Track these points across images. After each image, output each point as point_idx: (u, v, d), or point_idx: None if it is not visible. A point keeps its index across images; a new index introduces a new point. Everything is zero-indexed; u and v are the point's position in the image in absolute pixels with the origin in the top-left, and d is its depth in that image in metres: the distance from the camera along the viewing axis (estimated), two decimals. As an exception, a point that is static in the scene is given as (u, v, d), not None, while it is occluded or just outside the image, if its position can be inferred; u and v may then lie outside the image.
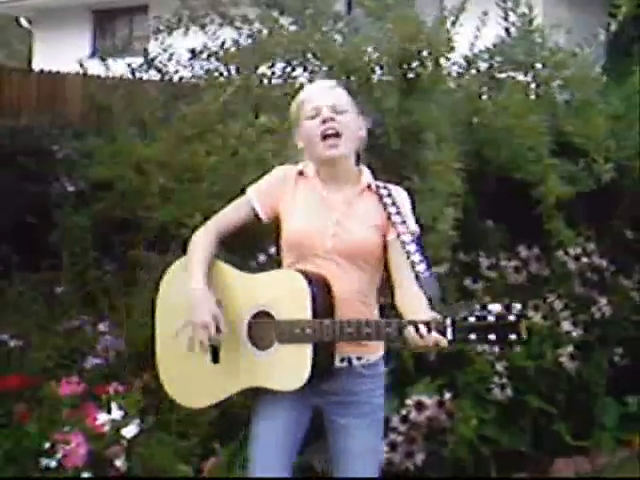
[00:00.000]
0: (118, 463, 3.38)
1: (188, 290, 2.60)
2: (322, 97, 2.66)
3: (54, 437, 3.38)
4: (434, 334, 2.41)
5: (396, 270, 2.66)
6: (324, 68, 4.68)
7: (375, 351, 2.70)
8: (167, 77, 5.32)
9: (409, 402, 4.09)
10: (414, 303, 2.56)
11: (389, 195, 2.69)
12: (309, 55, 4.75)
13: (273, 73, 4.83)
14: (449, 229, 4.21)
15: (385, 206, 2.67)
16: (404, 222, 2.64)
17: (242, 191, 2.76)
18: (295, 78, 4.95)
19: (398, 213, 2.65)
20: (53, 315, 4.58)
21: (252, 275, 2.69)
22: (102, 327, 4.36)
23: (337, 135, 2.61)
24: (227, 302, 2.64)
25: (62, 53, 8.25)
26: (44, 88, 6.28)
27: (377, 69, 4.72)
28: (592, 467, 4.68)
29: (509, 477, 4.34)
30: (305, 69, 4.93)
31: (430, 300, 2.49)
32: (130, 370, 4.08)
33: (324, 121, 2.61)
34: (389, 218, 2.65)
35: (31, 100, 6.14)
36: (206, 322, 2.54)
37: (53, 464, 3.33)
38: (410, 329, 2.44)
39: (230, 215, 2.74)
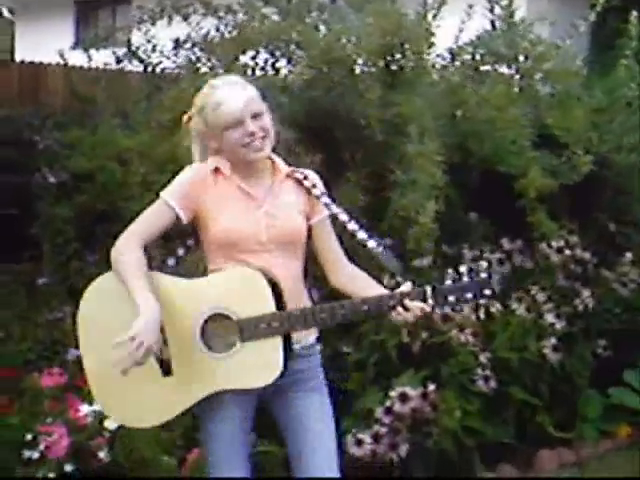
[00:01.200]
0: (101, 455, 3.36)
1: (136, 311, 2.46)
2: (241, 105, 2.59)
3: (36, 429, 3.36)
4: (417, 303, 2.54)
5: (326, 251, 2.74)
6: (306, 58, 4.66)
7: (311, 333, 2.72)
8: (150, 68, 5.29)
9: (393, 394, 4.09)
10: (361, 280, 2.70)
11: (306, 178, 2.72)
12: (292, 46, 4.73)
13: (256, 64, 4.81)
14: (430, 222, 4.22)
15: (308, 190, 2.70)
16: (334, 201, 2.69)
17: (157, 195, 2.66)
18: (278, 70, 4.94)
19: (324, 194, 2.70)
20: (35, 306, 4.56)
21: (193, 280, 2.63)
22: (84, 319, 4.32)
23: (262, 138, 2.61)
24: (171, 311, 2.55)
25: (45, 44, 8.18)
26: (26, 79, 6.22)
27: (360, 61, 4.71)
28: (576, 458, 4.70)
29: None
30: (289, 60, 4.91)
31: (393, 272, 2.55)
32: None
33: (250, 134, 2.59)
34: (317, 199, 2.69)
35: (12, 91, 6.08)
36: (152, 346, 2.44)
37: (36, 456, 3.31)
38: (392, 303, 2.52)
39: (152, 223, 2.62)
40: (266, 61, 4.91)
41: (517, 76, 5.25)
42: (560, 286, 5.05)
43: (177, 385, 2.56)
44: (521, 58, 5.16)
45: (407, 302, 2.53)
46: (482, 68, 5.18)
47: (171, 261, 4.41)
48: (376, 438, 4.05)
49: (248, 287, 2.54)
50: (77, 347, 2.70)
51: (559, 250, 5.05)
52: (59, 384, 3.60)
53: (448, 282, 2.58)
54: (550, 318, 4.77)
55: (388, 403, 4.08)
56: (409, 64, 4.80)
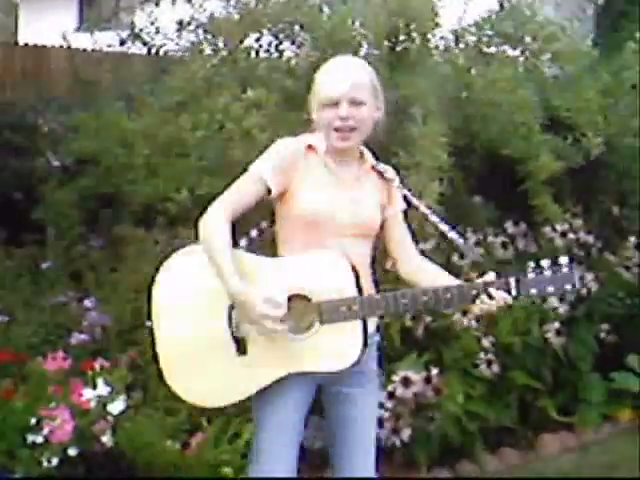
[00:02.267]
0: (104, 439, 3.36)
1: (206, 277, 2.49)
2: (342, 87, 2.59)
3: (40, 413, 3.36)
4: (500, 293, 2.57)
5: (398, 243, 2.80)
6: (311, 40, 4.63)
7: (373, 321, 2.72)
8: (153, 50, 5.26)
9: (396, 378, 4.10)
10: (432, 270, 2.75)
11: (386, 172, 2.77)
12: (296, 27, 4.71)
13: (260, 46, 4.78)
14: (433, 204, 4.20)
15: (389, 183, 2.75)
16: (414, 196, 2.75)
17: (244, 170, 2.62)
18: (282, 52, 4.91)
19: (403, 188, 2.76)
20: (39, 291, 4.56)
21: (274, 260, 2.61)
22: (88, 303, 4.33)
23: (351, 130, 2.61)
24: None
25: (48, 26, 8.16)
26: (29, 62, 6.21)
27: (364, 43, 4.68)
28: (578, 442, 4.71)
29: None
30: (293, 42, 4.88)
31: (474, 262, 2.60)
32: (116, 346, 4.07)
33: (341, 118, 2.59)
34: (402, 195, 2.75)
35: (16, 74, 6.07)
36: (264, 313, 2.45)
37: (39, 440, 3.31)
38: (474, 292, 2.56)
39: (242, 197, 2.58)
40: (270, 43, 4.88)
41: (523, 58, 5.21)
42: (563, 270, 5.04)
43: (251, 365, 2.55)
44: (528, 39, 5.12)
45: (493, 291, 2.56)
46: (488, 50, 5.15)
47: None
48: (379, 423, 4.06)
49: (331, 270, 2.54)
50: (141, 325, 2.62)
51: (563, 234, 5.05)
52: (63, 368, 3.60)
53: (531, 275, 2.59)
54: (553, 302, 4.77)
55: (391, 387, 4.09)
56: (414, 46, 4.77)
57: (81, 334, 4.08)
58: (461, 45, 5.13)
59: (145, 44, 5.27)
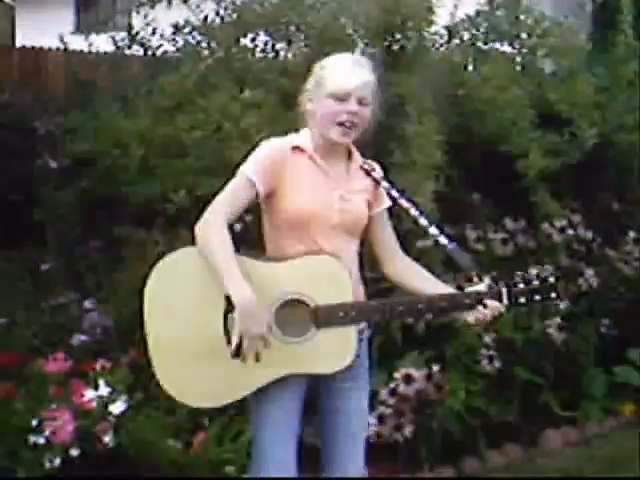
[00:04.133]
0: (106, 439, 3.36)
1: (203, 281, 2.51)
2: (355, 83, 2.60)
3: (42, 414, 3.36)
4: (492, 303, 2.63)
5: (384, 242, 2.80)
6: (306, 40, 4.63)
7: None
8: (150, 52, 5.26)
9: (397, 375, 4.10)
10: (417, 272, 2.77)
11: (373, 170, 2.76)
12: (291, 27, 4.71)
13: (256, 46, 4.78)
14: (428, 202, 4.20)
15: (377, 181, 2.74)
16: (401, 196, 2.73)
17: (233, 171, 2.63)
18: (278, 52, 4.91)
19: (391, 187, 2.74)
20: (39, 292, 4.55)
21: (272, 264, 2.62)
22: (88, 304, 4.33)
23: (353, 126, 2.62)
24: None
25: (45, 29, 8.16)
26: (26, 64, 6.19)
27: (359, 41, 4.68)
28: (580, 437, 4.71)
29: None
30: (289, 43, 4.88)
31: (467, 270, 2.63)
32: (117, 346, 4.07)
33: (349, 113, 2.59)
34: (389, 194, 2.74)
35: (13, 76, 6.05)
36: (263, 334, 2.49)
37: (41, 441, 3.31)
38: (468, 301, 2.61)
39: (236, 200, 2.58)
40: (266, 43, 4.88)
41: (519, 54, 5.21)
42: (563, 265, 5.04)
43: (244, 368, 2.55)
44: (523, 35, 5.12)
45: (488, 301, 2.62)
46: (484, 46, 5.15)
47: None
48: (381, 419, 4.07)
49: (328, 275, 2.57)
50: (141, 326, 2.63)
51: (562, 230, 5.05)
52: (64, 369, 3.60)
53: (520, 285, 2.67)
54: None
55: (392, 384, 4.09)
56: (410, 43, 4.77)
57: (82, 335, 4.08)
58: (456, 41, 5.14)
59: (142, 45, 5.27)
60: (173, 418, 3.66)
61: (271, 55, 4.90)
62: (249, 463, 2.80)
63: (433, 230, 2.69)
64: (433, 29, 4.95)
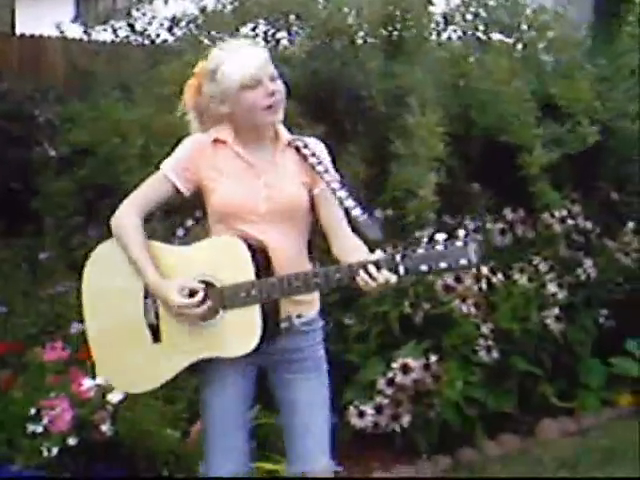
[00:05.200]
0: (104, 428, 3.37)
1: (125, 269, 2.60)
2: (259, 64, 2.58)
3: (39, 403, 3.37)
4: (384, 272, 2.45)
5: (329, 221, 2.70)
6: (306, 29, 4.63)
7: (313, 307, 2.73)
8: (149, 40, 5.26)
9: (395, 365, 4.11)
10: (355, 249, 2.61)
11: (306, 147, 2.69)
12: (292, 17, 4.70)
13: (256, 35, 4.77)
14: (430, 194, 4.20)
15: (306, 158, 2.67)
16: (327, 171, 2.65)
17: (157, 166, 2.69)
18: (278, 41, 4.90)
19: (320, 163, 2.66)
20: (37, 281, 4.56)
21: (185, 247, 2.69)
22: (86, 293, 4.32)
23: (278, 103, 2.61)
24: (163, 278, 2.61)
25: (45, 17, 8.14)
26: (26, 52, 6.18)
27: (361, 32, 4.68)
28: (577, 428, 4.72)
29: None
30: (289, 32, 4.88)
31: (373, 242, 2.53)
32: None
33: (270, 94, 2.57)
34: (313, 169, 2.65)
35: (12, 64, 6.04)
36: (181, 303, 2.54)
37: (39, 429, 3.32)
38: (360, 271, 2.46)
39: (150, 195, 2.66)
40: (266, 33, 4.88)
41: (520, 45, 5.21)
42: (562, 256, 5.05)
43: (165, 352, 2.62)
44: (524, 27, 5.11)
45: (372, 270, 2.44)
46: (484, 37, 5.14)
47: (180, 232, 4.42)
48: (378, 409, 4.08)
49: (230, 255, 2.56)
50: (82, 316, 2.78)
51: (562, 220, 5.04)
52: (62, 358, 3.61)
53: (420, 250, 2.44)
54: (552, 288, 4.77)
55: (390, 374, 4.10)
56: (410, 34, 4.77)
57: (79, 324, 4.07)
58: (452, 28, 5.13)
59: (141, 34, 5.26)
60: (171, 407, 3.67)
61: (271, 45, 4.89)
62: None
63: (349, 202, 2.57)
64: (432, 18, 4.95)
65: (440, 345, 4.35)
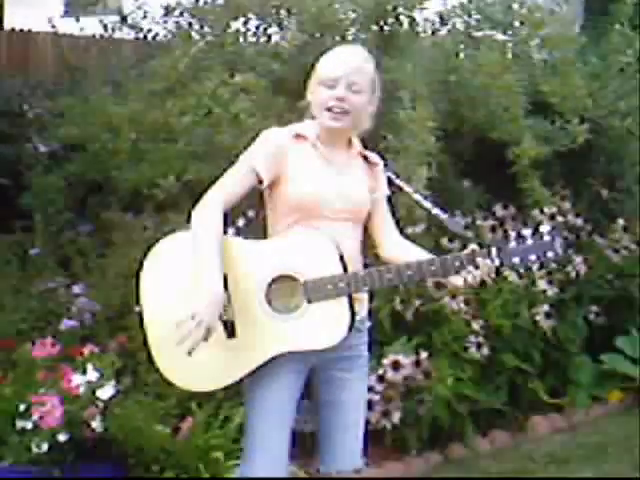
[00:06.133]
0: (94, 424, 3.35)
1: (202, 285, 2.47)
2: (342, 68, 2.62)
3: (29, 399, 3.35)
4: (487, 261, 2.59)
5: (382, 227, 2.82)
6: (297, 24, 4.62)
7: (365, 306, 2.76)
8: (141, 35, 5.23)
9: (385, 362, 4.10)
10: (411, 250, 2.75)
11: (372, 157, 2.80)
12: (282, 12, 4.69)
13: (248, 30, 4.76)
14: (422, 188, 4.20)
15: (374, 167, 2.78)
16: (392, 181, 2.78)
17: (233, 158, 2.67)
18: (270, 36, 4.89)
19: (387, 171, 2.80)
20: (27, 277, 4.54)
21: (260, 242, 2.66)
22: (76, 289, 4.32)
23: (344, 113, 2.63)
24: (238, 273, 2.57)
25: (35, 12, 8.10)
26: (15, 47, 6.15)
27: (351, 27, 4.67)
28: (567, 424, 4.73)
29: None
30: (280, 27, 4.86)
31: (460, 234, 2.64)
32: (105, 331, 4.06)
33: (336, 99, 2.61)
34: (377, 176, 2.78)
35: (1, 60, 6.01)
36: (213, 325, 2.47)
37: (29, 426, 3.31)
38: (457, 264, 2.58)
39: (237, 188, 2.62)
40: (258, 27, 4.86)
41: (511, 43, 5.21)
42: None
43: (240, 348, 2.56)
44: (516, 24, 5.12)
45: (479, 260, 2.58)
46: (476, 34, 5.14)
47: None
48: (369, 406, 4.07)
49: (315, 250, 2.57)
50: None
51: (552, 217, 5.04)
52: (52, 354, 3.59)
53: (512, 243, 2.60)
54: (542, 285, 4.78)
55: (381, 371, 4.10)
56: (402, 28, 4.76)
57: (70, 320, 4.07)
58: (448, 27, 5.13)
59: (132, 28, 5.24)
60: (161, 403, 3.66)
61: (263, 39, 4.88)
62: (237, 449, 2.80)
63: (427, 204, 2.77)
64: (425, 15, 4.95)
65: (431, 342, 4.35)
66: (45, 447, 3.28)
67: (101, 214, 4.76)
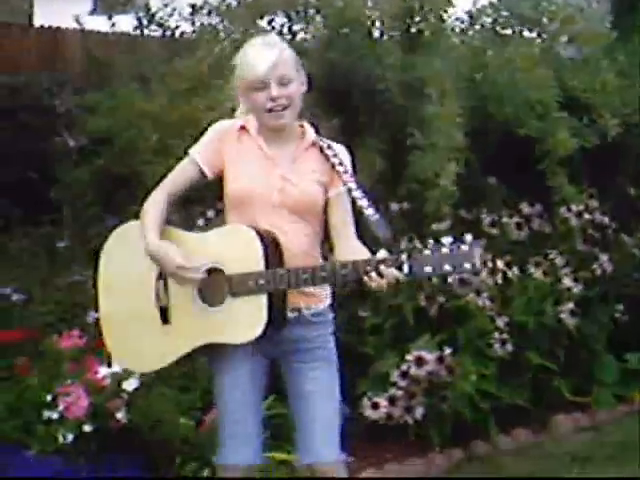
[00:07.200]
0: (119, 415, 3.40)
1: (143, 250, 2.64)
2: (268, 67, 2.59)
3: (56, 390, 3.40)
4: (392, 270, 2.48)
5: (338, 225, 2.73)
6: (321, 20, 4.63)
7: (322, 300, 2.75)
8: (168, 32, 5.27)
9: (409, 357, 4.11)
10: (358, 250, 2.64)
11: (329, 147, 2.73)
12: (310, 10, 4.71)
13: (273, 28, 4.78)
14: (450, 184, 4.20)
15: (327, 158, 2.71)
16: (347, 172, 2.69)
17: (185, 152, 2.76)
18: (295, 33, 4.91)
19: (340, 164, 2.70)
20: (55, 270, 4.59)
21: (200, 234, 2.74)
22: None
23: (284, 108, 2.63)
24: None
25: (63, 9, 8.18)
26: (44, 44, 6.21)
27: (378, 24, 4.68)
28: (591, 423, 4.71)
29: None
30: (306, 24, 4.88)
31: (383, 241, 2.56)
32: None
33: (272, 99, 2.60)
34: (333, 168, 2.69)
35: (31, 56, 6.08)
36: (181, 264, 2.59)
37: (55, 416, 3.37)
38: (367, 268, 2.50)
39: (177, 179, 2.74)
40: (283, 25, 4.88)
41: (540, 40, 5.19)
42: (578, 250, 5.03)
43: (172, 334, 2.67)
44: (545, 20, 5.09)
45: (382, 268, 2.48)
46: (504, 32, 5.12)
47: (200, 222, 4.45)
48: (392, 401, 4.09)
49: (241, 243, 2.60)
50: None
51: (578, 214, 5.02)
52: (78, 346, 3.64)
53: (426, 252, 2.46)
54: (568, 282, 4.76)
55: (404, 367, 4.11)
56: (428, 27, 4.76)
57: (96, 312, 4.10)
58: (477, 27, 5.12)
59: (160, 25, 5.28)
60: (185, 396, 3.69)
61: (288, 37, 4.90)
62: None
63: (363, 202, 2.62)
64: (454, 13, 4.94)
65: (455, 338, 4.35)
66: (70, 437, 3.34)
67: (128, 208, 4.79)
